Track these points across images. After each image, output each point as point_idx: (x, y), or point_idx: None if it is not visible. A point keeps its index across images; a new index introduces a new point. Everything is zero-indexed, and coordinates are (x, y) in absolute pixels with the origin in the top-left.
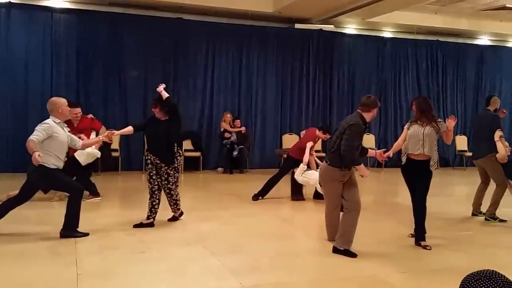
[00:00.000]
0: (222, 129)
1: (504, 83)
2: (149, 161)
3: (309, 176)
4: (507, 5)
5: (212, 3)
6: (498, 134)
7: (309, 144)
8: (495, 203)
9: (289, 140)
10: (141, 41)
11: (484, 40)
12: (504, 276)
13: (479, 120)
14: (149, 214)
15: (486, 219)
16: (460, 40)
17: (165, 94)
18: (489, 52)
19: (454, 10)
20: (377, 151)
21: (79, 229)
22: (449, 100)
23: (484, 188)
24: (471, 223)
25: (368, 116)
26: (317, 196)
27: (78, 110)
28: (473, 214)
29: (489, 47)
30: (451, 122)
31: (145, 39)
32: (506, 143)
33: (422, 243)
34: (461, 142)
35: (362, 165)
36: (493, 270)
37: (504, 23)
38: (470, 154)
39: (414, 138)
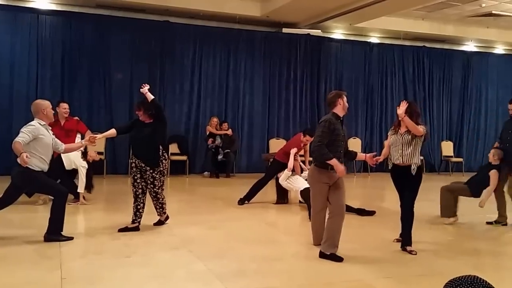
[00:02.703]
0: (207, 133)
1: (489, 89)
2: (133, 165)
3: (292, 183)
4: (493, 12)
5: (200, 7)
6: None
7: (293, 150)
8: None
9: (276, 145)
10: (128, 43)
11: (470, 47)
12: (486, 281)
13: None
14: (134, 218)
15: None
16: (447, 46)
17: (150, 96)
18: (475, 58)
19: (441, 16)
20: (367, 154)
21: (63, 233)
22: (435, 105)
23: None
24: (456, 228)
25: (338, 110)
26: (304, 200)
27: (66, 105)
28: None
29: (475, 53)
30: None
31: (132, 41)
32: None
33: (408, 248)
34: (447, 148)
35: (334, 160)
36: (474, 276)
37: (490, 29)
38: (456, 159)
39: (395, 146)
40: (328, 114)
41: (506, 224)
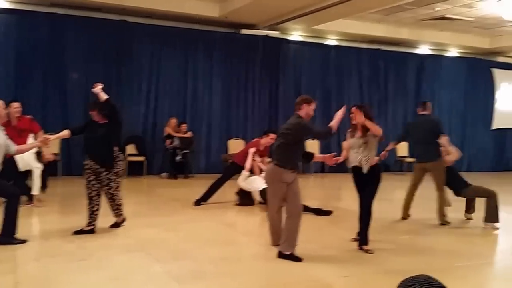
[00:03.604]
0: (165, 134)
1: (442, 91)
2: (88, 166)
3: (251, 183)
4: (446, 16)
5: (157, 6)
6: (445, 139)
7: (251, 150)
8: (440, 210)
9: (235, 145)
10: (83, 43)
11: (424, 49)
12: (438, 281)
13: (421, 125)
14: (90, 220)
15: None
16: (402, 49)
17: (103, 96)
18: (429, 61)
19: (396, 19)
20: (326, 155)
21: (17, 236)
22: (390, 107)
23: (414, 190)
24: (411, 227)
25: (301, 114)
26: (264, 200)
27: (17, 104)
28: (403, 218)
29: (429, 56)
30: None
31: (88, 41)
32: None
33: (364, 247)
34: (402, 148)
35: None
36: (427, 275)
37: (444, 32)
38: (410, 160)
39: (353, 149)
40: (295, 118)
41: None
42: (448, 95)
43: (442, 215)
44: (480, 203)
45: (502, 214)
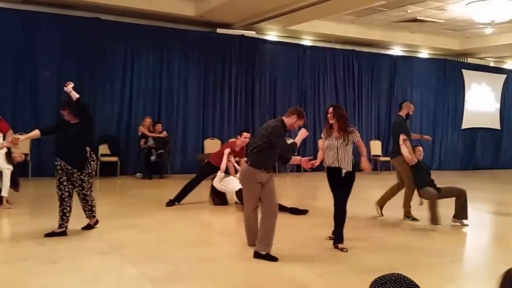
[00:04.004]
0: (140, 134)
1: (414, 91)
2: (59, 167)
3: (226, 184)
4: (418, 18)
5: (131, 4)
6: (401, 138)
7: (226, 151)
8: (405, 204)
9: (211, 145)
10: (55, 40)
11: (396, 51)
12: (409, 279)
13: (392, 125)
14: (61, 222)
15: (404, 218)
16: (374, 50)
17: (75, 95)
18: (401, 62)
19: (369, 21)
20: (303, 158)
21: None
22: (364, 106)
23: (397, 188)
24: (385, 225)
25: (288, 121)
26: (240, 200)
27: None
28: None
29: (401, 57)
30: None
31: (60, 38)
32: (420, 147)
33: (339, 245)
34: (375, 147)
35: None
36: (399, 274)
37: (415, 34)
38: (384, 158)
39: (330, 151)
40: (277, 121)
41: (417, 220)
42: (420, 96)
43: (405, 207)
44: (450, 201)
45: (472, 211)
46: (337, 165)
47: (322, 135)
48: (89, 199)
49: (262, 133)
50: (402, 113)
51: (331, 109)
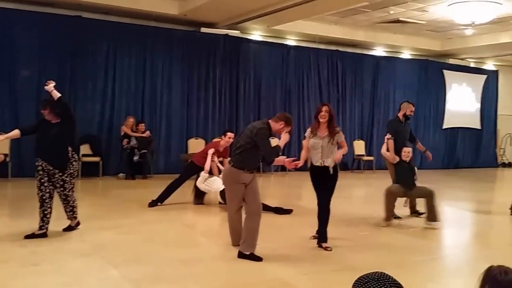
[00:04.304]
0: (122, 133)
1: (397, 92)
2: (40, 168)
3: (211, 185)
4: (400, 19)
5: (114, 2)
6: (386, 137)
7: (210, 151)
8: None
9: (195, 145)
10: (36, 39)
11: (379, 51)
12: (392, 278)
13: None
14: (42, 224)
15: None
16: (358, 51)
17: (56, 94)
18: (384, 62)
19: (352, 22)
20: (286, 159)
21: None
22: (348, 106)
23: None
24: (368, 224)
25: (274, 126)
26: (224, 200)
27: None
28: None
29: (383, 58)
30: None
31: (40, 37)
32: (407, 148)
33: (324, 244)
34: (359, 147)
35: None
36: (381, 272)
37: (398, 35)
38: (367, 158)
39: (314, 150)
40: (263, 123)
41: (400, 218)
42: (402, 96)
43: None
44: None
45: (454, 210)
46: (322, 164)
47: (306, 134)
48: (71, 200)
49: (246, 133)
50: (400, 113)
51: (325, 108)
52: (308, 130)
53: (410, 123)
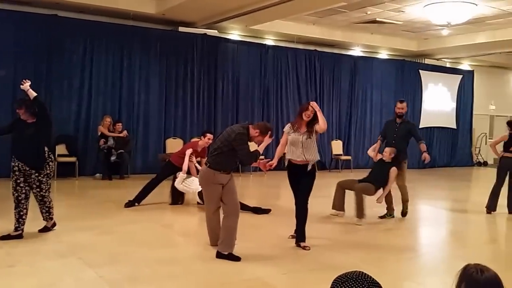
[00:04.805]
0: (99, 133)
1: (374, 91)
2: (16, 168)
3: (189, 185)
4: (377, 19)
5: (91, 1)
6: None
7: (188, 151)
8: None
9: (173, 144)
10: (10, 38)
11: (357, 51)
12: (370, 277)
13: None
14: (17, 225)
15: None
16: (336, 51)
17: (32, 93)
18: (361, 62)
19: (330, 22)
20: (260, 161)
21: None
22: (326, 106)
23: (402, 185)
24: (346, 223)
25: (252, 132)
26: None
27: None
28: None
29: (361, 58)
30: None
31: (16, 35)
32: (389, 149)
33: (302, 244)
34: (337, 147)
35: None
36: (360, 271)
37: (375, 35)
38: (345, 157)
39: (295, 145)
40: (243, 128)
41: (393, 216)
42: (380, 95)
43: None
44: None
45: (430, 208)
46: (303, 159)
47: (285, 130)
48: (47, 200)
49: (225, 136)
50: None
51: (311, 109)
52: (288, 125)
53: (407, 123)
